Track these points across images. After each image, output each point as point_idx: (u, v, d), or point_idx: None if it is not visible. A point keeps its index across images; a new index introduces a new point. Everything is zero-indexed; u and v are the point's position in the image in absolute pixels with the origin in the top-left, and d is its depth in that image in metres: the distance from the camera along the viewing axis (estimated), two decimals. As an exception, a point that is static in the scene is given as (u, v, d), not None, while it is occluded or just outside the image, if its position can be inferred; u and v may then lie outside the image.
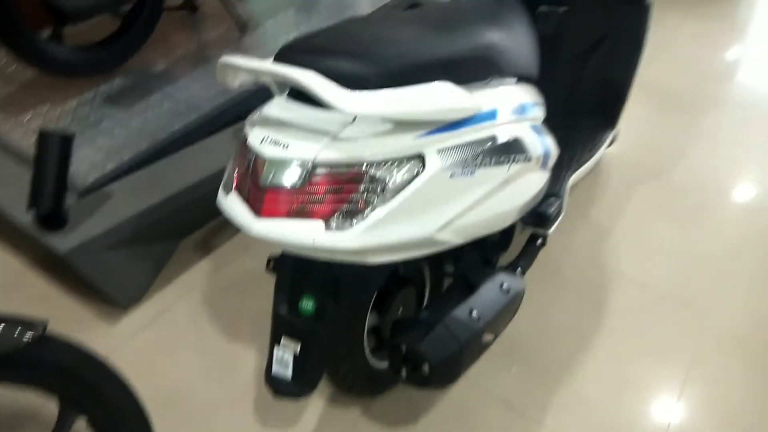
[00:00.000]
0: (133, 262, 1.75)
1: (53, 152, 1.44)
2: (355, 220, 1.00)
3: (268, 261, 1.33)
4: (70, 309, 1.75)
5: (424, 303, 1.53)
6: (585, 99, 1.95)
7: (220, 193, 1.15)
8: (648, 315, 1.77)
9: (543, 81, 1.49)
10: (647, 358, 1.64)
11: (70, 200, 1.65)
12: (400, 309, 1.42)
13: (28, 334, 1.02)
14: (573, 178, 1.74)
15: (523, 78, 1.38)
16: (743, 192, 2.24)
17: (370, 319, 1.35)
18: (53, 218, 1.52)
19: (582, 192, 2.20)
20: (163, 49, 2.24)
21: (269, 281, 1.84)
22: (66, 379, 1.09)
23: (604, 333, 1.71)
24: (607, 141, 1.93)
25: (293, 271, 1.21)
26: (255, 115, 1.14)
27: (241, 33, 2.35)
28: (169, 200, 1.73)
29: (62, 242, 1.54)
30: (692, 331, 1.72)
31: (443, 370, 1.15)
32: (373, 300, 1.31)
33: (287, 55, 1.08)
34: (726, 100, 2.80)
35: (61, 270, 1.87)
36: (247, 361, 1.62)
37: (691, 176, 2.31)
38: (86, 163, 1.76)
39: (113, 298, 1.70)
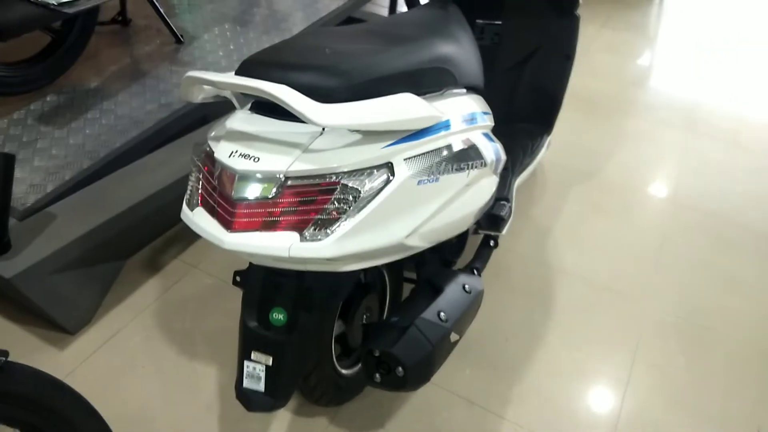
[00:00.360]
0: (80, 285, 1.68)
1: (-6, 173, 1.37)
2: (329, 230, 1.02)
3: (235, 275, 1.32)
4: (13, 336, 1.66)
5: (386, 309, 1.56)
6: (522, 106, 2.05)
7: (185, 209, 1.13)
8: (592, 307, 1.87)
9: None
10: (596, 348, 1.74)
11: (10, 223, 1.57)
12: (365, 316, 1.45)
13: (-10, 364, 0.98)
14: (518, 182, 1.83)
15: (471, 88, 1.44)
16: (666, 187, 2.42)
17: (336, 328, 1.37)
18: (-5, 243, 1.45)
19: (522, 195, 2.30)
20: (96, 65, 2.16)
21: (221, 297, 1.82)
22: (29, 408, 1.04)
23: (554, 327, 1.80)
24: (545, 146, 2.03)
25: (262, 284, 1.20)
26: (217, 129, 1.13)
27: (178, 45, 2.31)
28: (115, 219, 1.68)
29: (7, 267, 1.46)
30: (634, 320, 1.84)
31: (417, 372, 1.18)
32: (339, 309, 1.33)
33: (251, 69, 1.09)
34: (643, 103, 3.01)
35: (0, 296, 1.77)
36: (207, 379, 1.59)
37: (618, 176, 2.46)
38: (24, 185, 1.68)
39: (62, 322, 1.62)
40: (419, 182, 1.12)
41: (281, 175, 1.00)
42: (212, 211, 1.07)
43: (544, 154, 2.07)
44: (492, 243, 1.65)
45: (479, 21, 1.97)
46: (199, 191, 1.12)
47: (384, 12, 3.39)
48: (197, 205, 1.11)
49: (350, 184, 1.03)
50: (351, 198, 1.03)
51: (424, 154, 1.13)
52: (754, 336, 1.82)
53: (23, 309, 1.74)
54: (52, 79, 2.05)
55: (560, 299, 1.89)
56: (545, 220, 2.20)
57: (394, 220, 1.09)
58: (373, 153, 1.05)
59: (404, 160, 1.09)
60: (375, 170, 1.06)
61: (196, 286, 1.84)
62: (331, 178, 1.02)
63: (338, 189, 1.03)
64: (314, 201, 1.02)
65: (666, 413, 1.59)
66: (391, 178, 1.07)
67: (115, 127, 1.90)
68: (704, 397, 1.63)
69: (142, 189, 1.76)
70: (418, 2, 1.99)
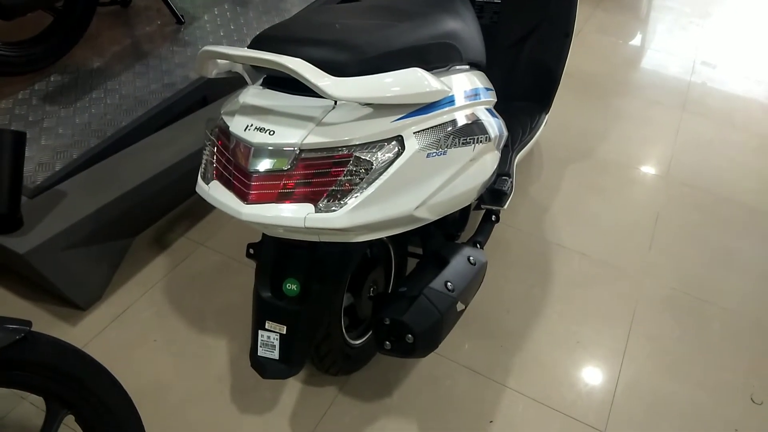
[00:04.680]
0: (91, 261, 1.71)
1: (6, 150, 1.39)
2: (342, 201, 1.05)
3: (248, 248, 1.36)
4: (26, 312, 1.70)
5: (391, 282, 1.61)
6: (521, 84, 2.09)
7: (200, 182, 1.16)
8: (589, 281, 1.92)
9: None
10: (593, 320, 1.80)
11: (21, 201, 1.59)
12: (371, 288, 1.49)
13: (16, 333, 1.01)
14: (517, 159, 1.87)
15: (474, 65, 1.47)
16: (660, 165, 2.46)
17: (344, 300, 1.41)
18: (9, 219, 1.47)
19: (520, 172, 2.34)
20: (98, 45, 2.17)
21: (228, 273, 1.85)
22: (53, 377, 1.08)
23: (553, 300, 1.85)
24: (544, 123, 2.07)
25: (275, 255, 1.24)
26: (230, 104, 1.16)
27: (178, 25, 2.32)
28: (123, 197, 1.71)
29: (21, 243, 1.49)
30: (630, 293, 1.89)
31: (426, 339, 1.22)
32: (348, 281, 1.37)
33: (264, 44, 1.11)
34: (636, 82, 3.05)
35: (9, 273, 1.79)
36: (218, 351, 1.63)
37: (613, 154, 2.51)
38: (32, 163, 1.70)
39: (73, 298, 1.66)
40: (428, 155, 1.15)
41: (296, 148, 1.03)
42: (228, 184, 1.10)
43: (542, 132, 2.11)
44: (494, 218, 1.69)
45: (479, 0, 2.00)
46: (214, 165, 1.15)
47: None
48: (212, 179, 1.14)
49: (363, 157, 1.07)
50: (363, 170, 1.07)
51: (432, 127, 1.17)
52: (747, 307, 1.88)
53: (35, 286, 1.77)
54: (56, 59, 2.06)
55: (558, 273, 1.94)
56: (543, 197, 2.25)
57: (405, 192, 1.13)
58: (384, 126, 1.09)
59: (414, 133, 1.13)
60: (386, 143, 1.09)
61: (204, 263, 1.87)
62: (344, 150, 1.06)
63: (351, 161, 1.06)
64: (328, 173, 1.06)
65: (662, 382, 1.65)
66: (401, 150, 1.11)
67: (120, 107, 1.92)
68: (699, 367, 1.69)
69: (149, 167, 1.79)
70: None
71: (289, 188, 1.05)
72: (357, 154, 1.06)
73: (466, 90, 1.32)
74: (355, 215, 1.06)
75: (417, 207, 1.16)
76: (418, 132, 1.14)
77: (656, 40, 3.51)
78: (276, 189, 1.05)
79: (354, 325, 1.53)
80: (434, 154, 1.17)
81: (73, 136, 1.81)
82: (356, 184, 1.06)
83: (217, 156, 1.15)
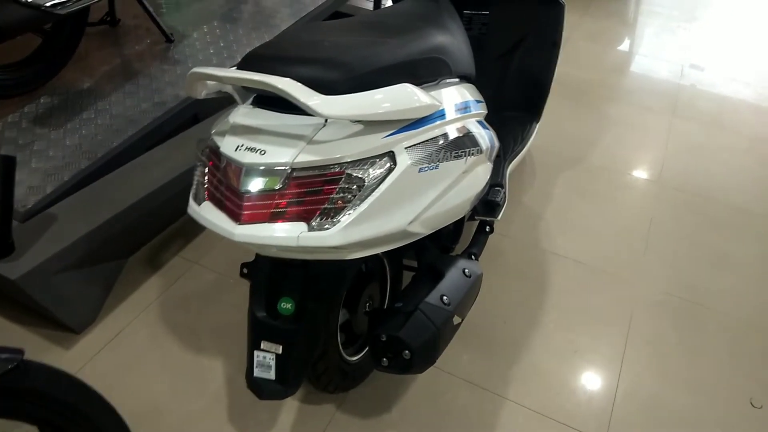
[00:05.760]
0: (84, 284, 1.70)
1: (-4, 175, 1.38)
2: (335, 219, 1.05)
3: (242, 267, 1.35)
4: (19, 337, 1.68)
5: (387, 297, 1.60)
6: (511, 95, 2.09)
7: (191, 203, 1.16)
8: (585, 288, 1.92)
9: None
10: (591, 328, 1.79)
11: (12, 225, 1.58)
12: (367, 304, 1.48)
13: (8, 362, 0.99)
14: (510, 169, 1.87)
15: (463, 77, 1.47)
16: (651, 170, 2.47)
17: (340, 316, 1.40)
18: (0, 245, 1.46)
19: (513, 181, 2.34)
20: (87, 66, 2.17)
21: (222, 292, 1.84)
22: (47, 405, 1.06)
23: (549, 309, 1.85)
24: (534, 133, 2.08)
25: (269, 275, 1.24)
26: (221, 124, 1.16)
27: (168, 44, 2.32)
28: (115, 218, 1.70)
29: (12, 268, 1.48)
30: (626, 299, 1.89)
31: (423, 354, 1.22)
32: (343, 297, 1.37)
33: (253, 63, 1.11)
34: (625, 88, 3.06)
35: (1, 298, 1.78)
36: (214, 371, 1.62)
37: (605, 160, 2.51)
38: (23, 187, 1.69)
39: (67, 322, 1.64)
40: (420, 170, 1.15)
41: (288, 167, 1.03)
42: (220, 205, 1.10)
43: (533, 141, 2.11)
44: (488, 229, 1.69)
45: (467, 11, 2.00)
46: (205, 185, 1.14)
47: (369, 6, 3.41)
48: (204, 200, 1.13)
49: (354, 174, 1.06)
50: (355, 187, 1.07)
51: (423, 142, 1.17)
52: (743, 310, 1.88)
53: (28, 310, 1.75)
54: (45, 81, 2.05)
55: (554, 281, 1.94)
56: (536, 206, 2.25)
57: (397, 208, 1.12)
58: (375, 143, 1.09)
59: (405, 148, 1.13)
60: (378, 159, 1.09)
61: (198, 282, 1.86)
62: (336, 168, 1.05)
63: (343, 179, 1.06)
64: (320, 191, 1.05)
65: (661, 388, 1.64)
66: (393, 166, 1.10)
67: (110, 127, 1.91)
68: (697, 371, 1.69)
69: (140, 187, 1.78)
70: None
71: (281, 207, 1.05)
72: (349, 171, 1.06)
73: (456, 103, 1.32)
74: (348, 233, 1.05)
75: (410, 222, 1.15)
76: (410, 147, 1.14)
77: (644, 44, 3.53)
78: (268, 209, 1.05)
79: (351, 341, 1.52)
80: (426, 169, 1.17)
81: (63, 158, 1.80)
82: (349, 202, 1.06)
83: (208, 176, 1.14)
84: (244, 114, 1.13)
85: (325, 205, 1.05)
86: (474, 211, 1.63)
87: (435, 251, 1.47)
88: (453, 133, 1.25)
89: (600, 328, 1.80)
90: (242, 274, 1.34)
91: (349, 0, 3.02)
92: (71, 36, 2.06)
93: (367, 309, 1.48)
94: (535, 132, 2.09)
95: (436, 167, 1.19)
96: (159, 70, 2.18)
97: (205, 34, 2.40)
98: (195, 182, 1.18)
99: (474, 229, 1.70)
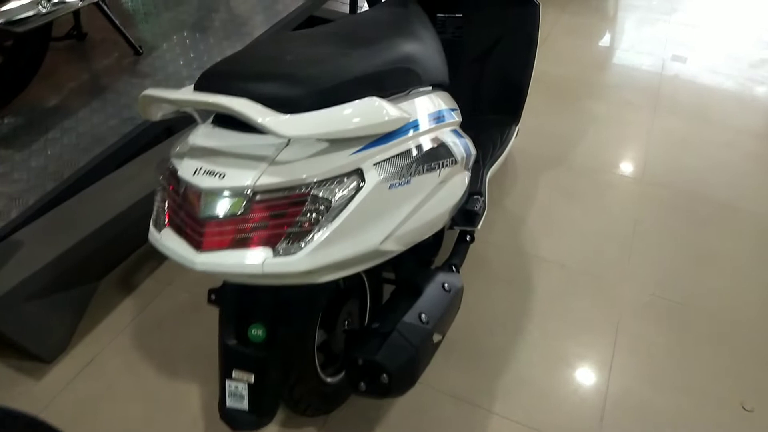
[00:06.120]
0: (54, 311, 1.64)
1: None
2: (302, 242, 1.00)
3: (209, 293, 1.29)
4: (-16, 371, 1.62)
5: (367, 312, 1.55)
6: (489, 98, 2.05)
7: (152, 230, 1.11)
8: (571, 293, 1.88)
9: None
10: (577, 333, 1.75)
11: (-26, 254, 1.52)
12: (346, 322, 1.43)
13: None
14: (489, 174, 1.82)
15: (436, 85, 1.43)
16: (635, 168, 2.44)
17: (317, 336, 1.35)
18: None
19: (494, 184, 2.30)
20: (53, 83, 2.10)
21: (197, 313, 1.79)
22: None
23: (535, 316, 1.81)
24: (514, 136, 2.04)
25: (238, 301, 1.19)
26: (180, 146, 1.11)
27: (136, 56, 2.26)
28: (84, 241, 1.64)
29: (-25, 300, 1.42)
30: (612, 302, 1.86)
31: (402, 377, 1.17)
32: (320, 318, 1.32)
33: (211, 81, 1.06)
34: (606, 84, 3.03)
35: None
36: (190, 397, 1.56)
37: (587, 159, 2.48)
38: (-14, 213, 1.63)
39: (37, 352, 1.58)
40: (391, 186, 1.10)
41: (249, 190, 0.98)
42: (180, 231, 1.05)
43: (513, 144, 2.07)
44: (468, 238, 1.65)
45: (440, 15, 1.96)
46: (166, 211, 1.09)
47: (345, 9, 3.36)
48: (165, 226, 1.08)
49: (320, 194, 1.02)
50: (322, 208, 1.02)
51: (393, 157, 1.12)
52: (732, 310, 1.85)
53: (-4, 340, 1.69)
54: (8, 101, 1.98)
55: (539, 287, 1.90)
56: (519, 209, 2.21)
57: (368, 227, 1.08)
58: (342, 160, 1.04)
59: (374, 165, 1.08)
60: (345, 178, 1.05)
61: (172, 304, 1.81)
62: (301, 189, 1.00)
63: (309, 200, 1.01)
64: (285, 214, 1.00)
65: (651, 393, 1.61)
66: (361, 184, 1.06)
67: (77, 146, 1.85)
68: (687, 375, 1.66)
69: (110, 207, 1.72)
70: (380, -1, 1.97)
71: (244, 233, 1.00)
72: (314, 192, 1.01)
73: (428, 113, 1.27)
74: (316, 257, 1.00)
75: (383, 241, 1.11)
76: (379, 163, 1.09)
77: (624, 39, 3.50)
78: (230, 235, 1.00)
79: (330, 361, 1.47)
80: (397, 185, 1.12)
81: (29, 181, 1.74)
82: (316, 224, 1.01)
83: (168, 201, 1.09)
84: (203, 134, 1.08)
85: (291, 229, 1.00)
86: (453, 222, 1.58)
87: (413, 265, 1.42)
88: (425, 145, 1.20)
89: (587, 334, 1.76)
90: (210, 301, 1.28)
91: (325, 3, 2.96)
92: (34, 53, 1.99)
93: (346, 327, 1.44)
94: (514, 135, 2.05)
95: (408, 182, 1.15)
96: (127, 84, 2.12)
97: (175, 45, 2.34)
98: (155, 207, 1.12)
99: (455, 239, 1.66)
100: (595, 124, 2.70)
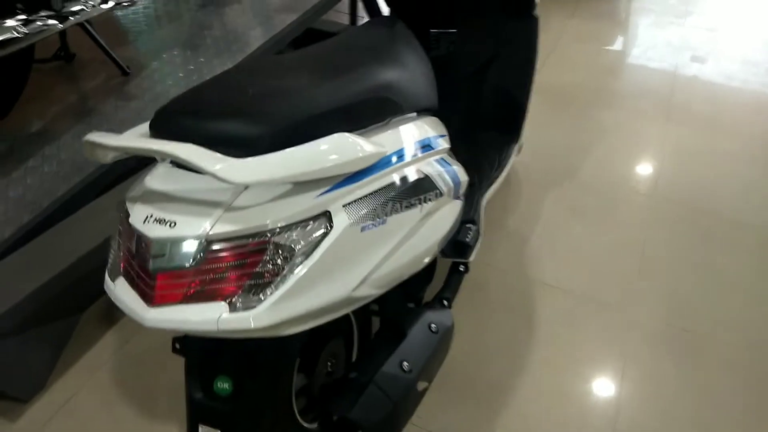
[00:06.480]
0: (32, 347, 1.58)
1: None
2: (262, 295, 0.92)
3: (173, 342, 1.21)
4: (-41, 411, 1.56)
5: (354, 350, 1.46)
6: (486, 116, 1.95)
7: (106, 278, 1.03)
8: (576, 321, 1.78)
9: (441, 103, 1.46)
10: (581, 366, 1.65)
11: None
12: (329, 363, 1.35)
13: None
14: (486, 198, 1.73)
15: (423, 110, 1.34)
16: (646, 182, 2.32)
17: (297, 381, 1.27)
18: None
19: (497, 204, 2.20)
20: (37, 107, 2.05)
21: (186, 344, 1.71)
22: None
23: (538, 346, 1.70)
24: (514, 155, 1.94)
25: (203, 351, 1.11)
26: (137, 187, 1.03)
27: (124, 77, 2.20)
28: (63, 274, 1.57)
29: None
30: (620, 331, 1.75)
31: (379, 433, 1.08)
32: (297, 364, 1.23)
33: (164, 120, 0.98)
34: (618, 92, 2.91)
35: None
36: (171, 439, 1.49)
37: (596, 173, 2.37)
38: (-41, 248, 1.58)
39: (12, 392, 1.52)
40: (363, 228, 1.02)
41: (202, 240, 0.90)
42: (133, 283, 0.97)
43: (513, 162, 1.97)
44: (462, 268, 1.55)
45: (433, 30, 1.87)
46: (120, 259, 1.01)
47: (345, 20, 3.29)
48: (119, 275, 1.00)
49: (282, 242, 0.93)
50: (285, 257, 0.93)
51: (366, 196, 1.03)
52: (748, 339, 1.73)
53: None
54: (-11, 127, 1.94)
55: (542, 314, 1.80)
56: (522, 229, 2.11)
57: (338, 274, 0.99)
58: (307, 203, 0.95)
59: (343, 206, 0.99)
60: (310, 222, 0.96)
61: (154, 337, 1.73)
62: (260, 237, 0.92)
63: (269, 248, 0.92)
64: (243, 265, 0.92)
65: (661, 429, 1.50)
66: (329, 228, 0.97)
67: (57, 174, 1.79)
68: (700, 411, 1.54)
69: (89, 238, 1.65)
70: (379, 10, 1.88)
71: (198, 286, 0.91)
72: (275, 239, 0.93)
73: (409, 144, 1.18)
74: (277, 311, 0.92)
75: (356, 287, 1.02)
76: (350, 204, 1.00)
77: (636, 44, 3.38)
78: (183, 288, 0.91)
79: (312, 406, 1.38)
80: (371, 226, 1.03)
81: (5, 212, 1.68)
82: (277, 274, 0.93)
83: (123, 248, 1.01)
84: (159, 176, 1.00)
85: (249, 281, 0.92)
86: (443, 253, 1.49)
87: (397, 302, 1.33)
88: (404, 180, 1.11)
89: (592, 366, 1.65)
90: (174, 350, 1.20)
91: (322, 16, 2.89)
92: (15, 77, 1.94)
93: (329, 369, 1.35)
94: (514, 154, 1.95)
95: (384, 222, 1.06)
96: (113, 107, 2.06)
97: (165, 65, 2.28)
98: (111, 254, 1.05)
99: (448, 268, 1.57)
100: (606, 135, 2.59)
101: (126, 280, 0.98)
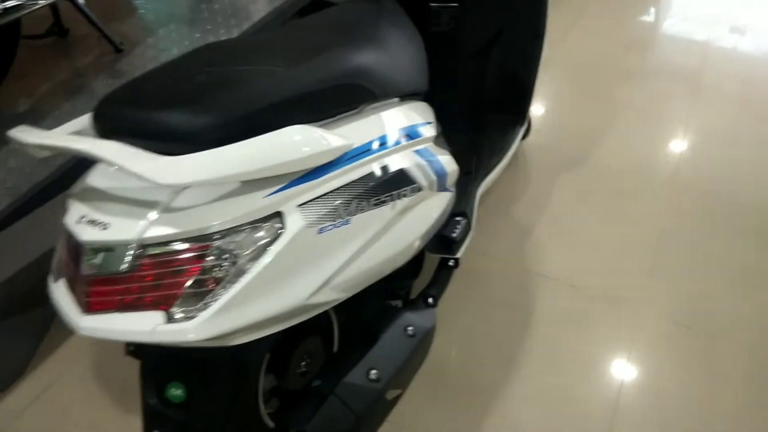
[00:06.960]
0: (9, 336, 1.55)
1: None
2: (204, 303, 0.84)
3: (126, 344, 1.15)
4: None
5: (335, 343, 1.38)
6: (490, 96, 1.83)
7: (49, 279, 0.97)
8: (579, 320, 1.67)
9: (442, 81, 1.35)
10: (582, 370, 1.55)
11: None
12: (304, 363, 1.27)
13: None
14: (483, 186, 1.62)
15: (409, 95, 1.23)
16: (665, 168, 2.17)
17: (267, 382, 1.20)
18: None
19: (502, 188, 2.07)
20: (25, 85, 1.99)
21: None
22: None
23: (533, 345, 1.61)
24: (518, 138, 1.81)
25: (156, 355, 1.04)
26: (78, 184, 0.96)
27: (117, 53, 2.13)
28: (38, 262, 1.53)
29: None
30: (624, 333, 1.64)
31: (340, 450, 1.01)
32: (264, 365, 1.16)
33: (104, 112, 0.90)
34: (643, 67, 2.74)
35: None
36: (146, 434, 1.44)
37: (613, 157, 2.22)
38: (-66, 235, 1.54)
39: (-13, 382, 1.50)
40: (321, 230, 0.93)
41: (135, 244, 0.82)
42: (70, 287, 0.90)
43: (521, 145, 1.85)
44: (451, 263, 1.45)
45: (434, 4, 1.74)
46: (62, 260, 0.95)
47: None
48: (60, 277, 0.94)
49: (226, 246, 0.85)
50: (229, 262, 0.85)
51: (325, 195, 0.94)
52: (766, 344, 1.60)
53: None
54: (-26, 106, 1.89)
55: (543, 311, 1.69)
56: (527, 216, 1.99)
57: (292, 280, 0.91)
58: (255, 204, 0.87)
59: (297, 206, 0.90)
60: (259, 224, 0.87)
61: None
62: (200, 240, 0.84)
63: (210, 253, 0.84)
64: (182, 271, 0.84)
65: (660, 446, 1.40)
66: (281, 231, 0.88)
67: (41, 156, 1.73)
68: (712, 423, 1.43)
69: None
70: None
71: (132, 294, 0.84)
72: (218, 243, 0.85)
73: (383, 134, 1.08)
74: (218, 321, 0.84)
75: (313, 293, 0.93)
76: (305, 204, 0.91)
77: (670, 15, 3.16)
78: (117, 295, 0.84)
79: (286, 407, 1.31)
80: (331, 228, 0.94)
81: (-15, 195, 1.63)
82: (221, 281, 0.85)
83: (63, 249, 0.95)
84: (99, 172, 0.93)
85: (189, 289, 0.84)
86: (428, 249, 1.39)
87: (374, 302, 1.24)
88: (371, 176, 1.01)
89: (593, 369, 1.55)
90: (128, 352, 1.14)
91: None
92: (1, 55, 1.88)
93: (302, 369, 1.27)
94: (519, 137, 1.82)
95: (347, 222, 0.97)
96: (103, 85, 1.99)
97: (160, 41, 2.20)
98: (56, 254, 0.98)
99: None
100: (626, 117, 2.42)
101: (66, 283, 0.92)
